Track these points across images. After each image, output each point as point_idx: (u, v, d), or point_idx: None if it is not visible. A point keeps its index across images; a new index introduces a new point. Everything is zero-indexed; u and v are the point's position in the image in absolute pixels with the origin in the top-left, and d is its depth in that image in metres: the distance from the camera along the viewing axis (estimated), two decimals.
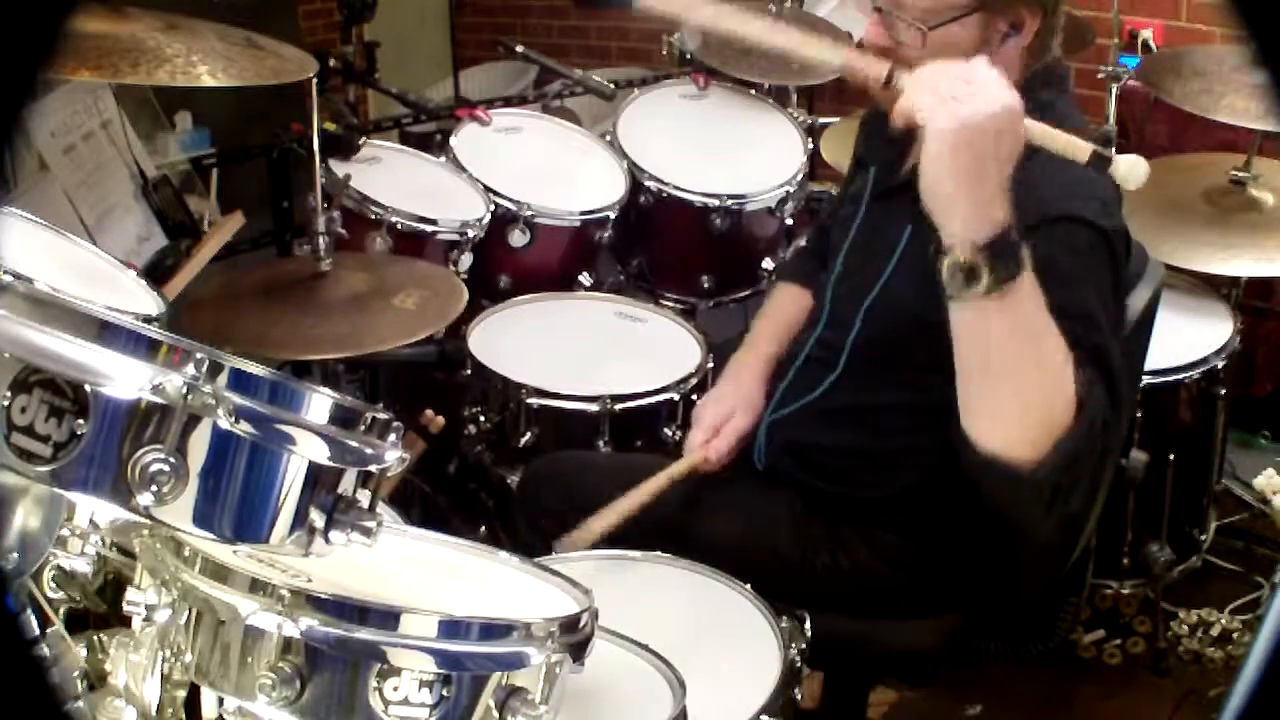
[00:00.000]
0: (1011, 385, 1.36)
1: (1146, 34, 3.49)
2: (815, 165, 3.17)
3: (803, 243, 2.13)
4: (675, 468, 1.78)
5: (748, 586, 1.58)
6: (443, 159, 2.74)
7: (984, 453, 1.38)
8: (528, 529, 1.89)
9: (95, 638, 1.16)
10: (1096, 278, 1.49)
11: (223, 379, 0.94)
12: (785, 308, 1.94)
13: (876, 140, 1.78)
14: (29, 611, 1.09)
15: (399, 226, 2.46)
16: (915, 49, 1.52)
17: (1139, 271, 1.76)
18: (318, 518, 0.98)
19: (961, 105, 1.29)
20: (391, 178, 2.59)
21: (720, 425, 1.81)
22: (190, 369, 0.93)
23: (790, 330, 1.87)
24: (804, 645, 1.50)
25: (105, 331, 0.93)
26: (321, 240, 2.12)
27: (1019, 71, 1.58)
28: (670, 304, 2.81)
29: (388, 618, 0.98)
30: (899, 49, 1.53)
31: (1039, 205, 1.43)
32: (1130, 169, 1.30)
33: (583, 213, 2.70)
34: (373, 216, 2.44)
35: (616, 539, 1.67)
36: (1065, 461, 1.37)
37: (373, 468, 1.01)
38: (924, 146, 1.32)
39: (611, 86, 3.04)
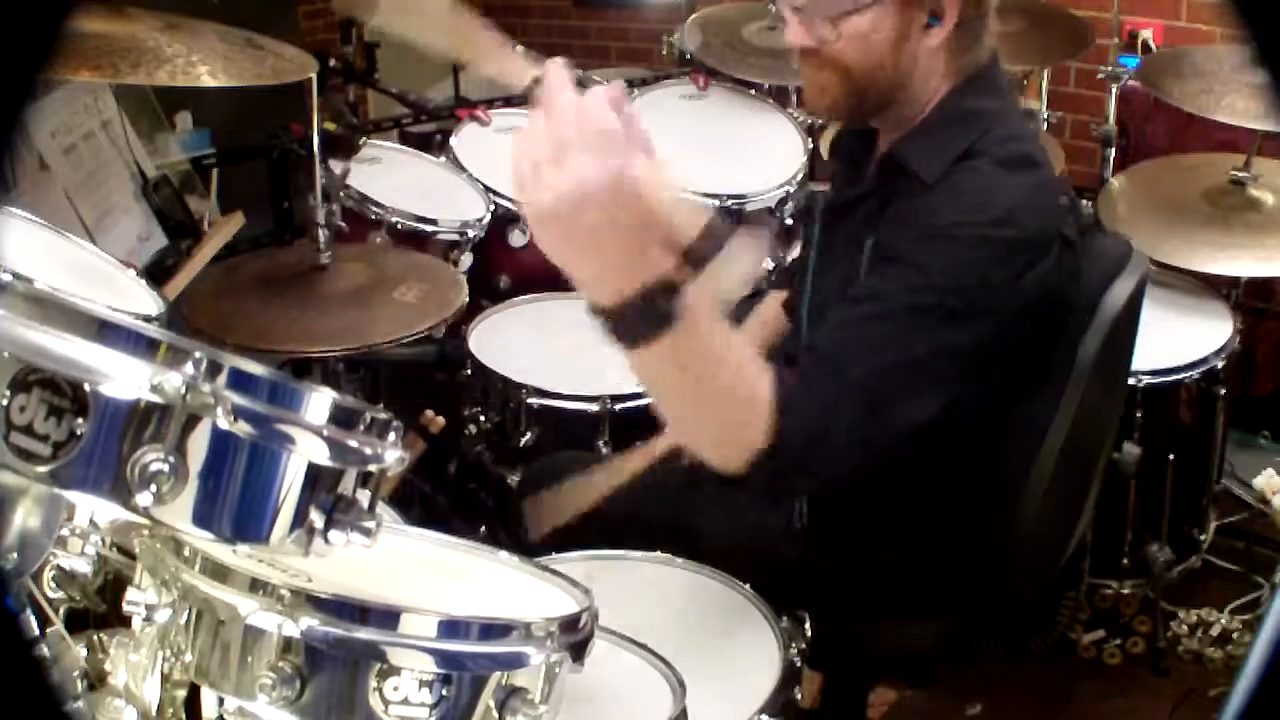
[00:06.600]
0: (681, 411, 1.37)
1: (1146, 34, 3.50)
2: (815, 165, 3.17)
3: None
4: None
5: (748, 586, 1.58)
6: (443, 159, 2.74)
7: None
8: (528, 529, 1.89)
9: (95, 638, 1.16)
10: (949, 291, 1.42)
11: (222, 378, 0.94)
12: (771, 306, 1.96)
13: (840, 155, 1.78)
14: (29, 611, 1.09)
15: (399, 226, 2.46)
16: (834, 44, 1.48)
17: (1118, 267, 1.65)
18: (317, 518, 0.97)
19: (544, 193, 1.14)
20: (391, 178, 2.59)
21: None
22: (189, 368, 0.93)
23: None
24: (804, 645, 1.50)
25: (104, 330, 0.93)
26: (322, 234, 2.11)
27: (946, 67, 1.53)
28: None
29: (388, 617, 0.98)
30: (822, 47, 1.49)
31: (927, 216, 1.45)
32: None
33: None
34: (373, 216, 2.44)
35: (617, 539, 1.67)
36: (787, 457, 1.34)
37: (373, 468, 1.01)
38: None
39: None
